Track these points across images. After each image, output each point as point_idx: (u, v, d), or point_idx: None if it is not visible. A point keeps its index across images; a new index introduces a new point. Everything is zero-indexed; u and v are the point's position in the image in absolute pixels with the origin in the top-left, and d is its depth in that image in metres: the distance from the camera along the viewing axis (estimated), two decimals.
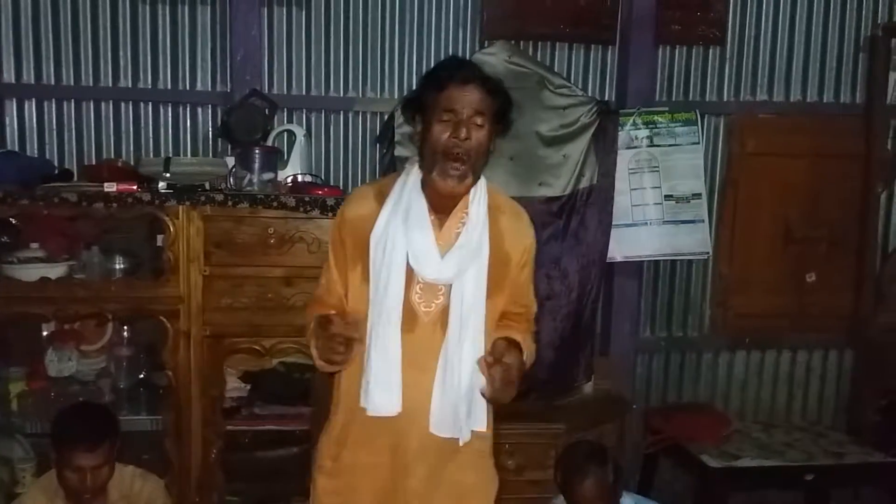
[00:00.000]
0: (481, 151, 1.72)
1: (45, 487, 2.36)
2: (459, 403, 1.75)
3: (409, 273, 1.75)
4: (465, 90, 1.69)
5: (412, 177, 1.79)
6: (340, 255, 1.84)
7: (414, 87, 1.81)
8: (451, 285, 1.75)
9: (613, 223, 3.31)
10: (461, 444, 1.79)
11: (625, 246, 3.34)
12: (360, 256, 1.78)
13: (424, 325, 1.76)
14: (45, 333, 2.92)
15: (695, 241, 3.39)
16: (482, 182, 1.80)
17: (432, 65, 3.24)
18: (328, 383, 1.95)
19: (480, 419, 1.81)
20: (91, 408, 2.45)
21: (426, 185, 1.76)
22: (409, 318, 1.76)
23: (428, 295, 1.77)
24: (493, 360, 1.63)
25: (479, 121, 1.70)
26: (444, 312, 1.76)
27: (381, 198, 1.80)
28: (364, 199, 1.83)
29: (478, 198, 1.78)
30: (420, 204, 1.76)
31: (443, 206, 1.77)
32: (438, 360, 1.76)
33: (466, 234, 1.76)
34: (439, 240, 1.76)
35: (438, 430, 1.77)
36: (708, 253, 3.44)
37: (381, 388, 1.74)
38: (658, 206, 3.36)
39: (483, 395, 1.71)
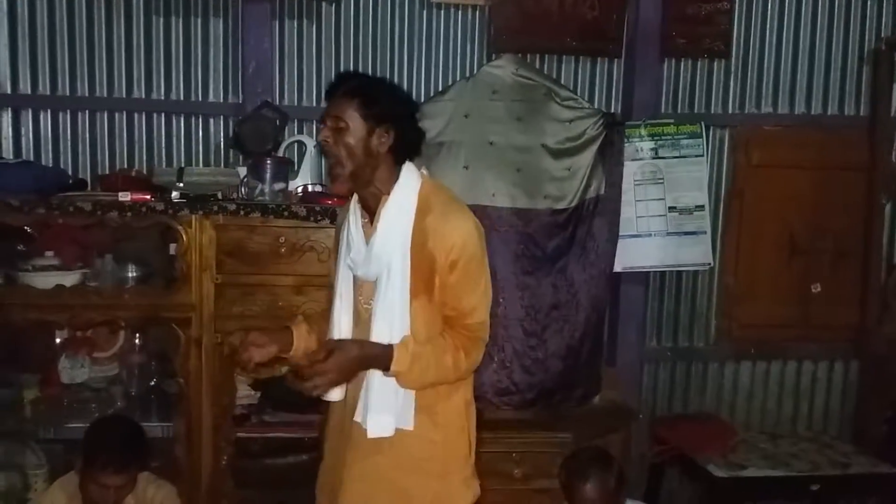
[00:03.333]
0: (351, 153, 1.80)
1: (65, 487, 2.40)
2: (382, 399, 1.83)
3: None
4: (330, 100, 1.84)
5: None
6: (335, 256, 2.03)
7: (422, 100, 1.93)
8: (376, 282, 1.85)
9: (619, 234, 3.33)
10: (369, 435, 1.85)
11: (629, 257, 3.36)
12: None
13: (365, 321, 1.89)
14: (58, 340, 2.96)
15: (697, 252, 3.41)
16: (411, 182, 1.87)
17: (441, 78, 3.35)
18: None
19: (407, 418, 1.86)
20: (126, 427, 2.46)
21: None
22: (357, 315, 1.93)
23: (367, 292, 1.89)
24: (307, 360, 1.80)
25: (332, 123, 1.81)
26: None
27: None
28: (345, 209, 1.99)
29: (395, 199, 1.85)
30: (356, 206, 1.92)
31: (369, 208, 1.89)
32: None
33: (384, 232, 1.85)
34: (368, 239, 1.87)
35: (364, 424, 1.85)
36: (710, 264, 3.45)
37: None
38: (662, 218, 3.39)
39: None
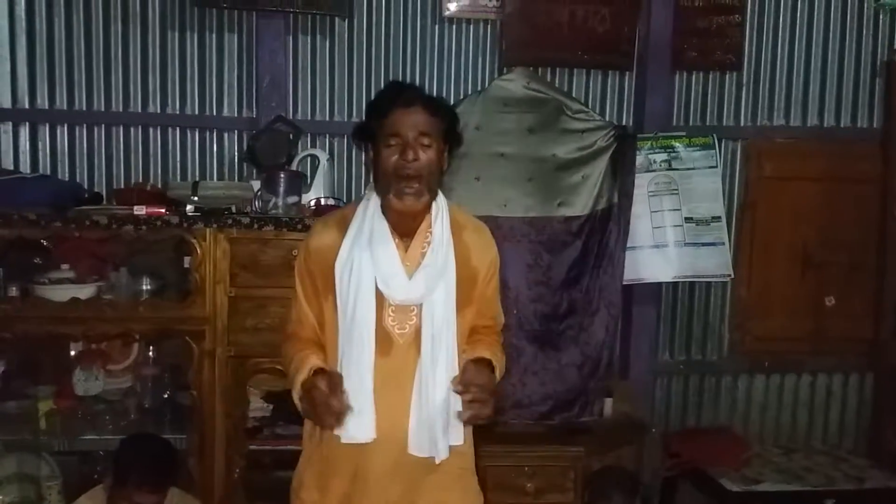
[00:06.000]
0: (432, 170, 1.75)
1: (94, 501, 2.42)
2: (436, 422, 1.76)
3: (380, 297, 1.77)
4: (409, 113, 1.73)
5: (372, 202, 1.82)
6: (308, 286, 1.84)
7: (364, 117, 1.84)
8: (421, 305, 1.78)
9: (635, 245, 3.34)
10: (437, 461, 1.79)
11: (646, 268, 3.36)
12: (331, 286, 1.79)
13: (400, 347, 1.78)
14: (72, 353, 2.97)
15: (716, 263, 3.39)
16: (443, 201, 1.84)
17: (452, 91, 3.37)
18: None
19: (457, 434, 1.82)
20: (158, 445, 2.48)
21: (386, 209, 1.79)
22: (384, 341, 1.77)
23: (401, 317, 1.79)
24: (462, 387, 1.67)
25: (425, 141, 1.74)
26: (419, 333, 1.78)
27: (343, 226, 1.82)
28: (326, 229, 1.86)
29: (440, 217, 1.81)
30: (382, 227, 1.79)
31: (405, 228, 1.80)
32: (414, 381, 1.77)
33: (432, 252, 1.78)
34: (406, 261, 1.78)
35: (417, 451, 1.78)
36: (729, 275, 3.43)
37: (355, 416, 1.72)
38: (678, 229, 3.38)
39: (460, 419, 1.71)
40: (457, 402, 1.71)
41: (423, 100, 1.77)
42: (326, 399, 1.66)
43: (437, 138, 1.75)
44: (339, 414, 1.67)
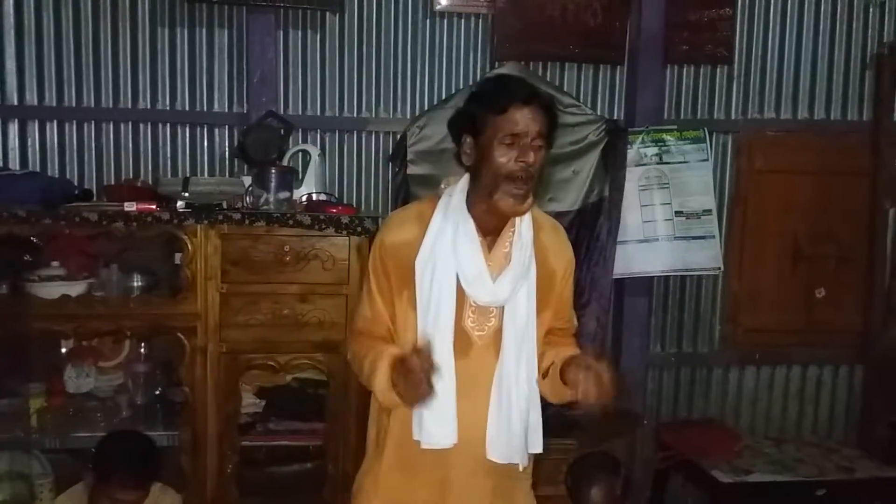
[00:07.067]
0: (540, 172, 1.69)
1: (73, 499, 2.41)
2: (517, 426, 1.72)
3: (460, 297, 1.71)
4: (528, 112, 1.64)
5: (455, 199, 1.74)
6: (384, 283, 1.76)
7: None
8: (503, 307, 1.73)
9: (626, 239, 3.35)
10: (521, 469, 1.76)
11: (637, 262, 3.37)
12: (406, 283, 1.73)
13: (478, 349, 1.73)
14: (63, 350, 2.97)
15: (707, 256, 3.41)
16: None
17: (444, 86, 3.36)
18: (372, 416, 1.88)
19: (537, 441, 1.78)
20: (139, 442, 2.46)
21: (472, 207, 1.72)
22: (463, 342, 1.72)
23: (481, 318, 1.74)
24: (585, 369, 1.63)
25: (539, 142, 1.66)
26: (497, 334, 1.74)
27: (423, 222, 1.75)
28: (405, 224, 1.78)
29: (526, 217, 1.75)
30: (468, 226, 1.72)
31: (492, 227, 1.74)
32: (493, 384, 1.72)
33: (519, 253, 1.73)
34: (489, 261, 1.72)
35: (497, 457, 1.73)
36: (720, 268, 3.46)
37: (436, 418, 1.68)
38: (669, 223, 3.39)
39: (579, 403, 1.67)
40: (536, 408, 1.69)
41: (540, 97, 1.68)
42: (419, 367, 1.57)
43: (546, 138, 1.68)
44: (429, 378, 1.58)
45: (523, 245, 1.73)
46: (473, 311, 1.73)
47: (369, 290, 1.80)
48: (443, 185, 1.83)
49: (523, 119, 1.64)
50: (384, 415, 1.80)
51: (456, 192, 1.76)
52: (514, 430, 1.72)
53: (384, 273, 1.77)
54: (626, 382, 3.44)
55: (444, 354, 1.68)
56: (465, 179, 1.77)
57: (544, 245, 1.79)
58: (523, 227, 1.74)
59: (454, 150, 1.76)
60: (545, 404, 1.82)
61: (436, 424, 1.69)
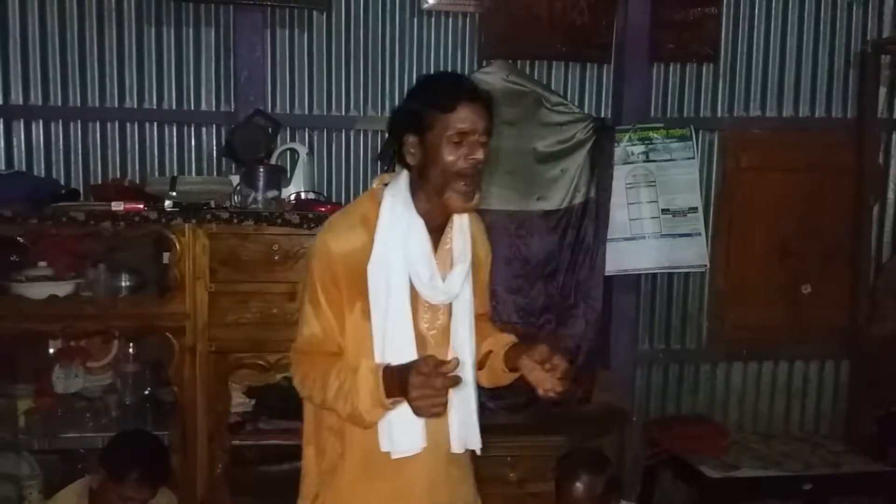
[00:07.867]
0: (485, 167, 1.70)
1: (78, 493, 2.41)
2: (473, 416, 1.77)
3: (413, 299, 1.69)
4: (475, 109, 1.64)
5: (401, 199, 1.70)
6: (334, 294, 1.68)
7: (409, 106, 1.70)
8: (451, 303, 1.75)
9: (612, 237, 3.37)
10: (478, 452, 1.81)
11: (623, 260, 3.39)
12: (358, 291, 1.67)
13: (433, 348, 1.70)
14: (51, 351, 2.95)
15: (693, 254, 3.44)
16: None
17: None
18: (309, 435, 1.86)
19: (479, 425, 1.82)
20: (153, 441, 2.47)
21: (417, 206, 1.70)
22: (420, 344, 1.69)
23: (432, 318, 1.74)
24: (539, 362, 1.66)
25: (485, 138, 1.66)
26: (446, 331, 1.74)
27: (368, 225, 1.69)
28: (352, 230, 1.70)
29: (466, 214, 1.77)
30: (418, 225, 1.68)
31: (436, 225, 1.73)
32: None
33: (462, 249, 1.74)
34: (437, 259, 1.72)
35: (460, 448, 1.77)
36: (706, 266, 3.48)
37: (405, 428, 1.66)
38: (655, 220, 3.42)
39: (545, 396, 1.68)
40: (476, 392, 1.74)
41: (483, 94, 1.67)
42: (430, 380, 1.51)
43: (489, 135, 1.68)
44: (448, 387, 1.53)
45: (465, 239, 1.75)
46: (426, 312, 1.73)
47: (317, 304, 1.70)
48: (375, 184, 1.78)
49: (470, 116, 1.63)
50: (330, 433, 1.76)
51: (400, 192, 1.70)
52: (472, 420, 1.78)
53: (333, 283, 1.68)
54: (613, 380, 3.46)
55: (406, 360, 1.62)
56: (404, 178, 1.72)
57: (473, 235, 1.81)
58: (463, 221, 1.76)
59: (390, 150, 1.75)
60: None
61: (406, 433, 1.67)
